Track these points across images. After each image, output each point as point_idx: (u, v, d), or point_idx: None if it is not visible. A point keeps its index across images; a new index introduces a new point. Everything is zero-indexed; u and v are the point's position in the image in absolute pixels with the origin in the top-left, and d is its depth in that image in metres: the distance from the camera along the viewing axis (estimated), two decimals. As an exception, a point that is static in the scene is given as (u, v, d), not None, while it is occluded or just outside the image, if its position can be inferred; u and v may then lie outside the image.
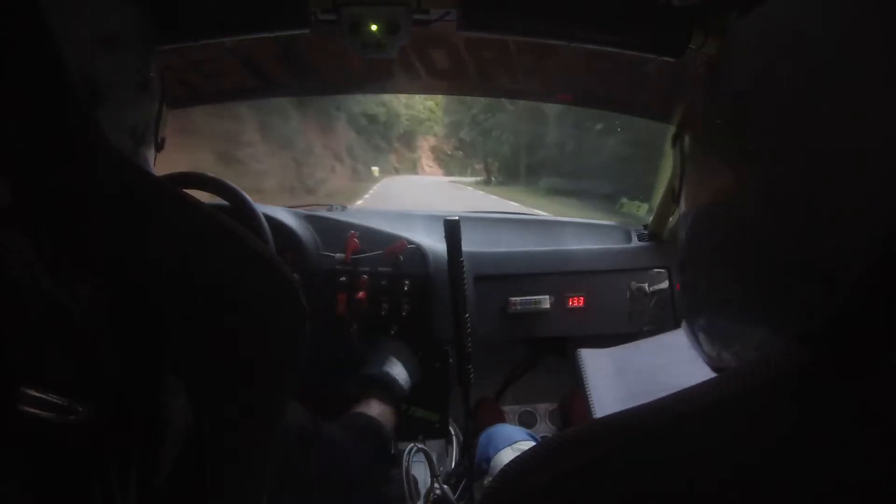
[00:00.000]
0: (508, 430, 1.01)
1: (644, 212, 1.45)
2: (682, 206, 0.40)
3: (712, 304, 0.38)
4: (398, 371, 0.94)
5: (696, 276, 0.40)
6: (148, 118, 0.57)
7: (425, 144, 22.20)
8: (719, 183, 0.35)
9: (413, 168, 21.10)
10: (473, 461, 1.05)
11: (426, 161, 22.17)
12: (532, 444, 0.96)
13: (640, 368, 0.93)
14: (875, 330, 0.27)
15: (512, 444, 0.94)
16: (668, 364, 0.96)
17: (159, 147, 0.62)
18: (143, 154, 0.57)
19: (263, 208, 1.17)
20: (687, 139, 0.40)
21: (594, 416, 0.80)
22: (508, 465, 0.32)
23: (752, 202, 0.32)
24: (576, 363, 0.95)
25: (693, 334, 0.41)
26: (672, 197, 0.42)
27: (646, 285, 1.29)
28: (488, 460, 0.94)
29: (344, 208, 1.51)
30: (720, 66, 0.38)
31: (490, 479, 0.90)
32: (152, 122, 0.58)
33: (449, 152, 21.62)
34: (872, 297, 0.26)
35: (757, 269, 0.32)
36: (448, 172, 21.15)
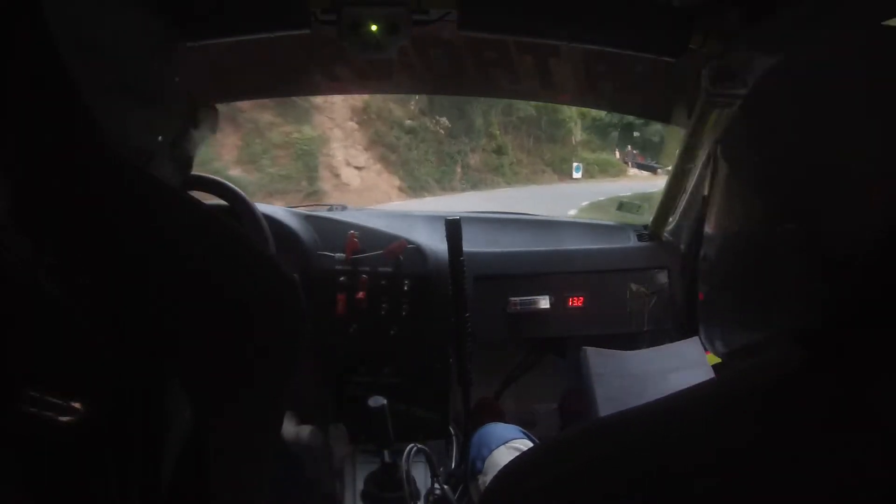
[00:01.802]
0: (502, 428, 1.01)
1: (644, 212, 1.45)
2: (709, 227, 0.42)
3: (735, 316, 0.39)
4: None
5: (719, 289, 0.41)
6: (159, 139, 0.53)
7: (342, 107, 8.09)
8: (747, 208, 0.36)
9: (307, 181, 7.60)
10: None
11: (348, 152, 8.12)
12: (526, 441, 0.95)
13: (641, 373, 0.93)
14: (873, 334, 0.27)
15: (506, 443, 0.94)
16: (669, 370, 0.96)
17: (185, 167, 0.58)
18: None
19: (263, 208, 1.17)
20: (720, 161, 0.41)
21: (599, 415, 0.81)
22: (507, 466, 0.32)
23: (774, 225, 0.33)
24: (581, 361, 0.95)
25: (710, 341, 0.41)
26: (701, 206, 0.44)
27: (645, 285, 1.29)
28: (483, 460, 0.94)
29: (344, 208, 1.51)
30: (753, 108, 0.39)
31: (486, 478, 0.91)
32: (166, 145, 0.54)
33: (403, 133, 8.30)
34: (872, 302, 0.26)
35: (776, 287, 0.33)
36: (415, 187, 8.32)
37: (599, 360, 0.96)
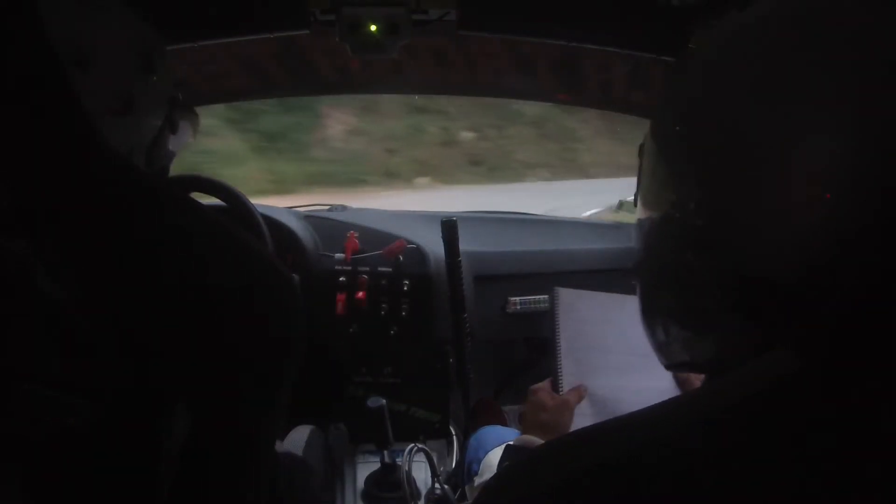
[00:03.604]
0: (499, 431, 1.01)
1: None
2: (639, 212, 0.40)
3: (668, 310, 0.38)
4: None
5: (651, 281, 0.40)
6: (132, 145, 0.53)
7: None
8: (675, 191, 0.35)
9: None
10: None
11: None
12: None
13: (616, 322, 0.90)
14: (868, 341, 0.27)
15: (502, 444, 0.94)
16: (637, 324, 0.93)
17: (162, 170, 0.59)
18: None
19: (263, 209, 1.17)
20: (649, 144, 0.40)
21: (559, 358, 0.79)
22: (503, 470, 0.32)
23: (705, 211, 0.32)
24: (552, 300, 0.92)
25: (650, 332, 0.41)
26: (633, 201, 0.42)
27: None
28: (479, 461, 0.94)
29: (344, 208, 1.51)
30: (678, 75, 0.38)
31: (482, 479, 0.90)
32: (141, 151, 0.55)
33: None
34: (863, 310, 0.26)
35: (711, 277, 0.32)
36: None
37: (569, 302, 0.92)
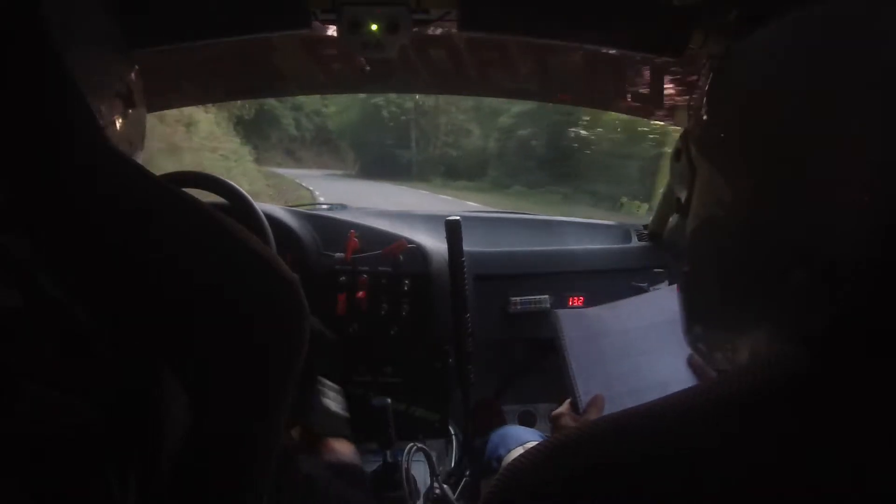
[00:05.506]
0: (520, 431, 1.02)
1: (644, 212, 1.45)
2: (689, 218, 0.41)
3: (716, 312, 0.38)
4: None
5: (699, 285, 0.40)
6: (138, 125, 0.56)
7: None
8: (723, 194, 0.35)
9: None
10: (474, 461, 1.05)
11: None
12: None
13: (617, 330, 0.91)
14: (877, 333, 0.27)
15: (522, 445, 0.94)
16: (645, 327, 0.94)
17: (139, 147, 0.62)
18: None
19: (263, 207, 1.17)
20: (692, 149, 0.40)
21: (573, 378, 0.79)
22: (513, 462, 0.32)
23: (754, 212, 0.32)
24: (555, 326, 0.93)
25: (693, 338, 0.41)
26: (678, 207, 0.42)
27: (646, 285, 1.29)
28: (499, 459, 0.95)
29: (344, 207, 1.51)
30: (723, 78, 0.38)
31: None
32: (142, 129, 0.58)
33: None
34: (874, 301, 0.26)
35: (759, 277, 0.32)
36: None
37: (571, 322, 0.92)
